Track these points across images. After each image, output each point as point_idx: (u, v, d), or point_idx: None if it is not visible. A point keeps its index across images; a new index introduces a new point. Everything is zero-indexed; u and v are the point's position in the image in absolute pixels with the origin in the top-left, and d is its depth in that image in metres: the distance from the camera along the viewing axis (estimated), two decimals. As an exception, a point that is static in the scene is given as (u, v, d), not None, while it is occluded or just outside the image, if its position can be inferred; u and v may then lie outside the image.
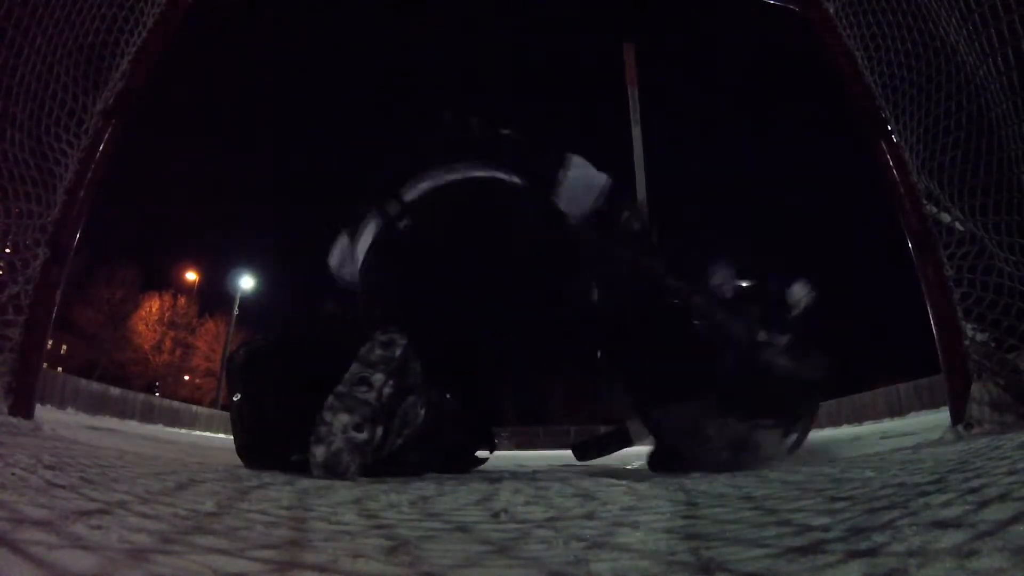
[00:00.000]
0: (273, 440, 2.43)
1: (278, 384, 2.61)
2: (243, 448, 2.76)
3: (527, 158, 2.92)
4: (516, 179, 2.83)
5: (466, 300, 2.51)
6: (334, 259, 3.07)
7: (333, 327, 2.63)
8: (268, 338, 2.94)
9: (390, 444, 2.13)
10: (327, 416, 2.00)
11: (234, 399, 2.82)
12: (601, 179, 2.92)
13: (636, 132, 3.01)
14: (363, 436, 1.97)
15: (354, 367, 2.09)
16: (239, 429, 2.79)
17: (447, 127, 3.05)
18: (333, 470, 1.93)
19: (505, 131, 3.05)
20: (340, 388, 2.04)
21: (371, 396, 2.01)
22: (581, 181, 2.85)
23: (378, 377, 2.05)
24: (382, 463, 2.24)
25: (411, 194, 2.70)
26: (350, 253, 2.90)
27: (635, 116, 3.06)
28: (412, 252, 2.64)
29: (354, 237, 2.87)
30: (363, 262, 2.81)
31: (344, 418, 1.99)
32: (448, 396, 2.49)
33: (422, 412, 2.23)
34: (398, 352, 2.10)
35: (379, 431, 2.03)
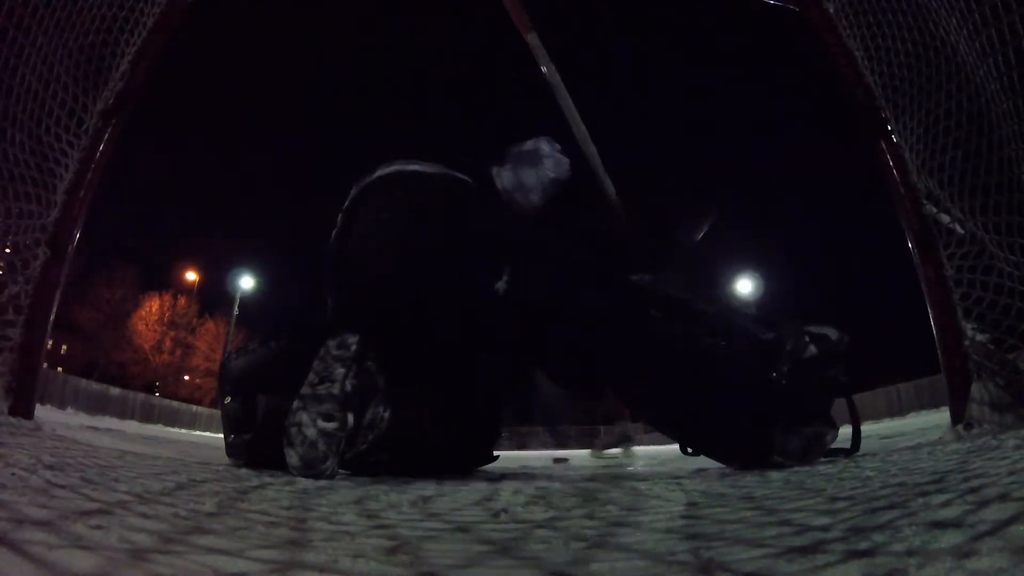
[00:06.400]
0: (263, 440, 2.47)
1: (267, 387, 2.66)
2: (233, 448, 2.80)
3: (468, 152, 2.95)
4: (438, 171, 2.81)
5: (380, 295, 2.54)
6: None
7: (319, 332, 2.68)
8: (259, 343, 3.01)
9: (363, 437, 2.19)
10: (295, 418, 2.07)
11: (225, 401, 2.88)
12: (564, 166, 2.89)
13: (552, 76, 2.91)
14: (333, 424, 2.03)
15: (313, 370, 2.18)
16: (229, 430, 2.85)
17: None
18: (311, 465, 1.97)
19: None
20: (304, 390, 2.12)
21: (335, 389, 2.09)
22: (536, 172, 2.83)
23: (339, 371, 2.13)
24: (362, 456, 2.28)
25: (349, 198, 2.78)
26: None
27: (543, 59, 2.94)
28: (341, 253, 2.72)
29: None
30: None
31: (312, 413, 2.06)
32: (414, 395, 2.51)
33: (386, 414, 2.30)
34: (353, 348, 2.20)
35: (350, 418, 2.09)
